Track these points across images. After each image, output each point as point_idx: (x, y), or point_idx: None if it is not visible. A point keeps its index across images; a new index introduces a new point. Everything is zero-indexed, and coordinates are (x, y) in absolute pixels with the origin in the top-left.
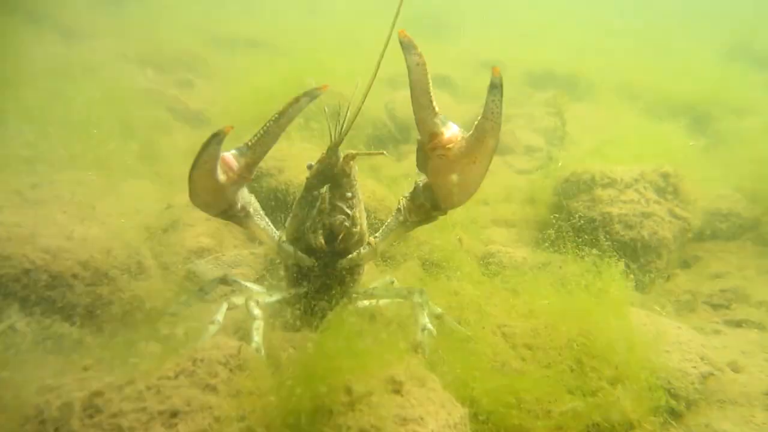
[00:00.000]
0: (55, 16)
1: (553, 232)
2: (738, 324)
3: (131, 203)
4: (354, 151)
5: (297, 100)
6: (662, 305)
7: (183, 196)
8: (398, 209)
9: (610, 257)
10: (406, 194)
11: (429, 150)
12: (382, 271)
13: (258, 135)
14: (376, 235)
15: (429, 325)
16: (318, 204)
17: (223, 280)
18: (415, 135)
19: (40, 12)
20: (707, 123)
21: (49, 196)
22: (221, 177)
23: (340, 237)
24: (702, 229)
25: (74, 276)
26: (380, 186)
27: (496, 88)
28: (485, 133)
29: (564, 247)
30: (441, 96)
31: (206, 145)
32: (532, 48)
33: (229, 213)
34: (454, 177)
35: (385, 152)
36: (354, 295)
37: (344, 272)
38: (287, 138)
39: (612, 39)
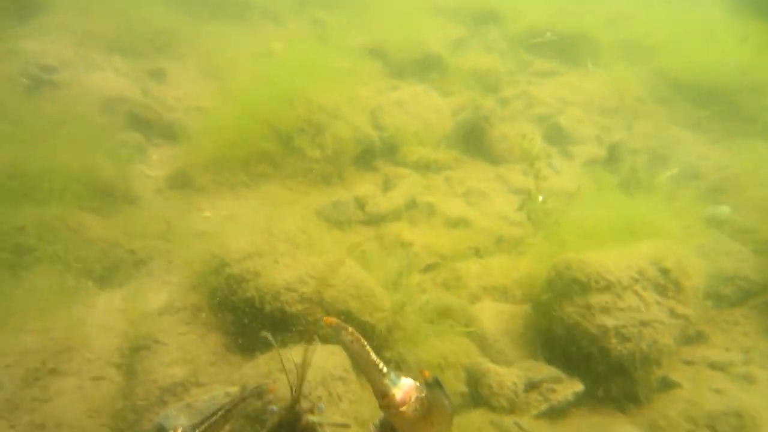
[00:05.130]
0: None
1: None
2: None
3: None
4: (315, 418)
5: (243, 399)
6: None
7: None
8: None
9: None
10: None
11: (384, 407)
12: None
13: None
14: None
15: None
16: None
17: None
18: (405, 148)
19: None
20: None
21: None
22: None
23: None
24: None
25: None
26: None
27: (433, 386)
28: (438, 409)
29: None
30: (429, 93)
31: None
32: (530, 3)
33: None
34: None
35: (349, 425)
36: None
37: None
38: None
39: None
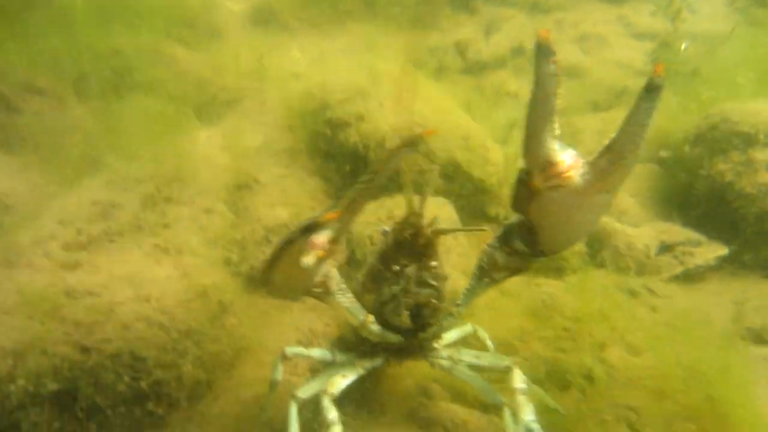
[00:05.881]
0: None
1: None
2: None
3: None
4: (446, 227)
5: (392, 152)
6: None
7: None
8: (480, 267)
9: None
10: (491, 243)
11: (540, 182)
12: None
13: (346, 200)
14: (458, 301)
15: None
16: (402, 284)
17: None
18: None
19: None
20: None
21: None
22: (306, 261)
23: (427, 313)
24: None
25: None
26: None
27: (654, 91)
28: (624, 155)
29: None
30: None
31: (298, 235)
32: None
33: (308, 292)
34: (571, 212)
35: (486, 228)
36: (434, 357)
37: (425, 342)
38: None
39: None
